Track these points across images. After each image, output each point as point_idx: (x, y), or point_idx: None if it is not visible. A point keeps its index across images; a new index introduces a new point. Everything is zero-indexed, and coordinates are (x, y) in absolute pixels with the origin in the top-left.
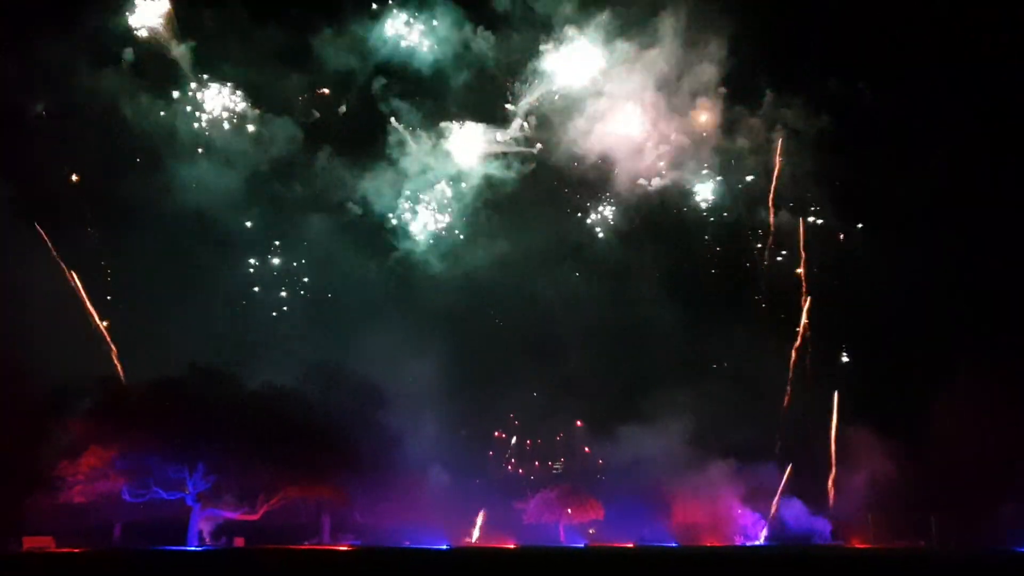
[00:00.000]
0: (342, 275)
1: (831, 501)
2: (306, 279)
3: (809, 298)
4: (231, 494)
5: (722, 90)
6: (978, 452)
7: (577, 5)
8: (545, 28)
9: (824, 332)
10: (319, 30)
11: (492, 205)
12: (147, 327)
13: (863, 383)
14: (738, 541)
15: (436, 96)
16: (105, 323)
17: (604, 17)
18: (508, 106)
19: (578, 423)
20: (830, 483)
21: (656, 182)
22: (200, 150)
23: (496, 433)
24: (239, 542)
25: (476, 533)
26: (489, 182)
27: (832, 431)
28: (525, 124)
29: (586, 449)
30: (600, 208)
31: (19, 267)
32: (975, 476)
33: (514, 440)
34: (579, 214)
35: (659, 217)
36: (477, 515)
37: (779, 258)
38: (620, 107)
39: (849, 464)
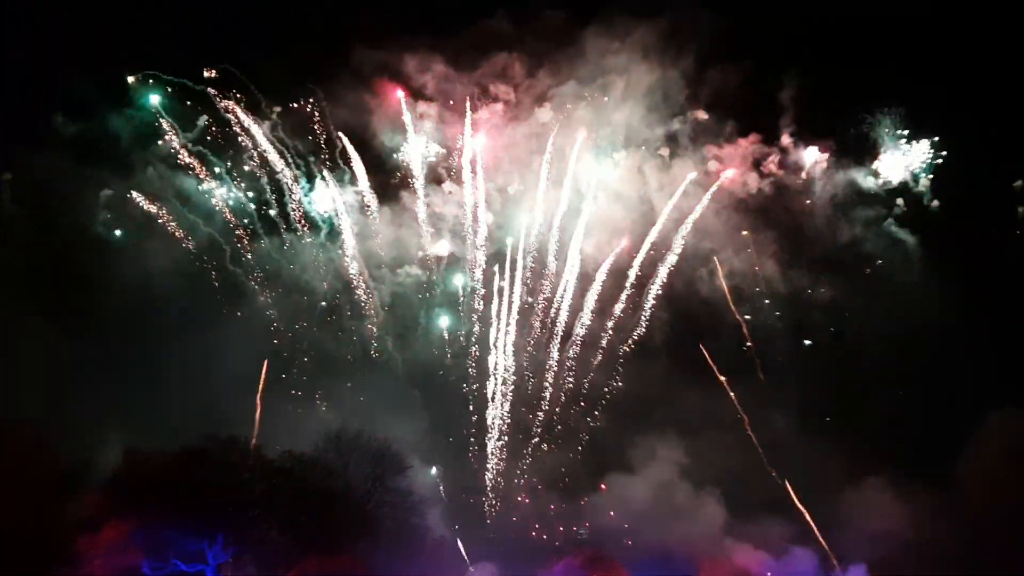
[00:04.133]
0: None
1: None
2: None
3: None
4: (251, 566)
5: None
6: (1014, 508)
7: None
8: None
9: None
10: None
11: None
12: (164, 397)
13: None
14: None
15: None
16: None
17: None
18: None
19: (602, 487)
20: None
21: None
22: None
23: (519, 498)
24: None
25: None
26: None
27: None
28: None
29: (611, 513)
30: None
31: (34, 338)
32: (1012, 534)
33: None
34: None
35: None
36: None
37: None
38: None
39: (872, 519)
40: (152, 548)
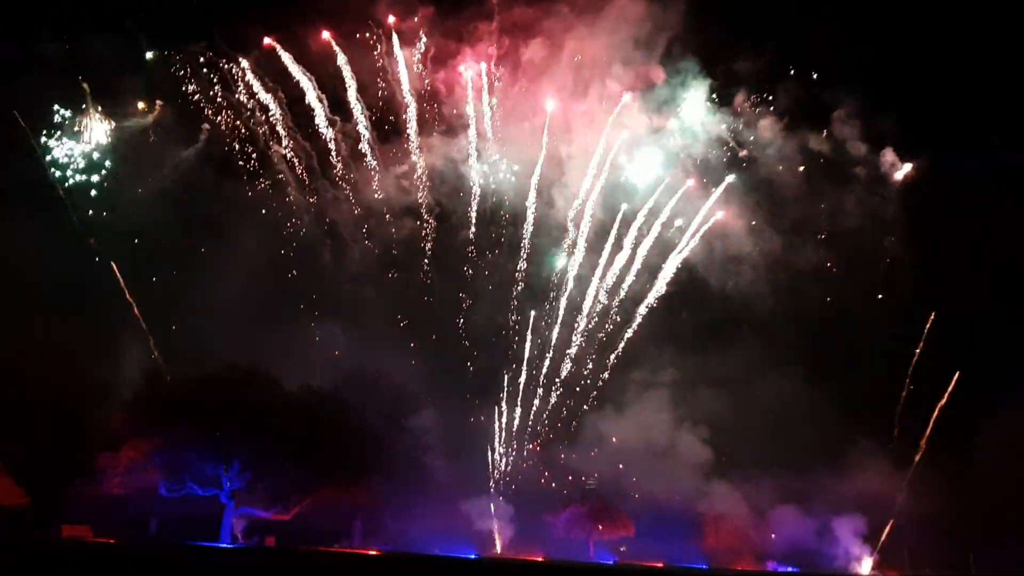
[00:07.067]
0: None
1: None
2: None
3: None
4: (265, 493)
5: None
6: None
7: None
8: None
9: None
10: None
11: None
12: (189, 327)
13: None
14: (770, 566)
15: None
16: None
17: None
18: None
19: (614, 439)
20: None
21: None
22: None
23: (531, 446)
24: (270, 541)
25: (498, 543)
26: None
27: None
28: None
29: (620, 465)
30: None
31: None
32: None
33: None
34: None
35: None
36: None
37: None
38: None
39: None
40: (169, 470)
